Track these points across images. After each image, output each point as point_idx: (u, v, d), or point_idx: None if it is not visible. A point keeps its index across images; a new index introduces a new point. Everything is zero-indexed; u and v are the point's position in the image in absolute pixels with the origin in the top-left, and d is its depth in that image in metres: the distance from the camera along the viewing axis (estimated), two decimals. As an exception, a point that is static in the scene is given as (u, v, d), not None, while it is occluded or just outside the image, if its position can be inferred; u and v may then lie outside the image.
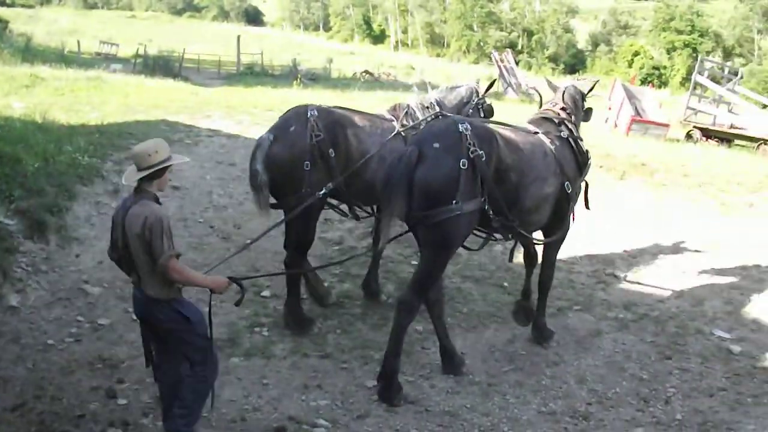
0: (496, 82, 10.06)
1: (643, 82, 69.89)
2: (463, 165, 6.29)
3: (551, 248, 8.01)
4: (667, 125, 27.42)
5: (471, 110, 8.94)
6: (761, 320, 8.95)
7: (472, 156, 6.32)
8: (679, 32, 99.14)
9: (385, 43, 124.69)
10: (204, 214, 10.88)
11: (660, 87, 77.94)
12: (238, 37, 50.70)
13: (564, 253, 8.71)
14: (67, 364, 6.84)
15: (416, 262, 9.89)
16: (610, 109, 26.67)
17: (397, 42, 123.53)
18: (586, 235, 9.52)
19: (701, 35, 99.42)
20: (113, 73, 28.04)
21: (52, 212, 9.57)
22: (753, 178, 14.72)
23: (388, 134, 8.10)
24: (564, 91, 8.29)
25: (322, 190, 7.50)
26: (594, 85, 9.02)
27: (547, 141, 7.39)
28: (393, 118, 8.43)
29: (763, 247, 11.30)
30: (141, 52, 43.36)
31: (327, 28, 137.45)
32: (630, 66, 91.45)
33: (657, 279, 10.26)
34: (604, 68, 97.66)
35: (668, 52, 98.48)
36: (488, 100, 9.30)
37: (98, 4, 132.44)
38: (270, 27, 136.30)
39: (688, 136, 28.75)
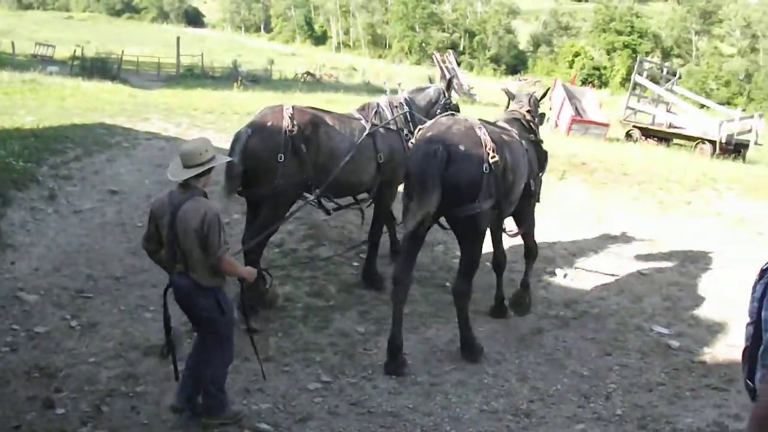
0: (453, 81, 10.41)
1: (584, 82, 70.97)
2: (485, 170, 7.04)
3: (531, 231, 9.00)
4: (607, 125, 27.90)
5: (439, 109, 9.41)
6: (699, 316, 9.14)
7: (491, 162, 7.06)
8: (619, 33, 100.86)
9: (326, 44, 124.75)
10: (143, 219, 10.63)
11: (600, 87, 79.33)
12: (178, 39, 50.34)
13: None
14: (2, 374, 6.70)
15: (357, 264, 9.96)
16: (550, 109, 26.97)
17: (338, 43, 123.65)
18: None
19: (640, 36, 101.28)
20: (49, 76, 27.66)
21: (-15, 218, 9.38)
22: (691, 176, 14.99)
23: (357, 132, 8.70)
24: (531, 96, 9.09)
25: (293, 181, 8.04)
26: (547, 91, 9.91)
27: (523, 142, 8.13)
28: (362, 117, 8.97)
29: (700, 245, 11.53)
30: (78, 53, 42.78)
31: (268, 30, 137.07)
32: (571, 66, 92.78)
33: (597, 277, 10.40)
34: (545, 69, 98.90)
35: (608, 52, 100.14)
36: (454, 100, 9.89)
37: (33, 5, 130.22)
38: (211, 28, 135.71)
39: (628, 135, 29.27)
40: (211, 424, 5.99)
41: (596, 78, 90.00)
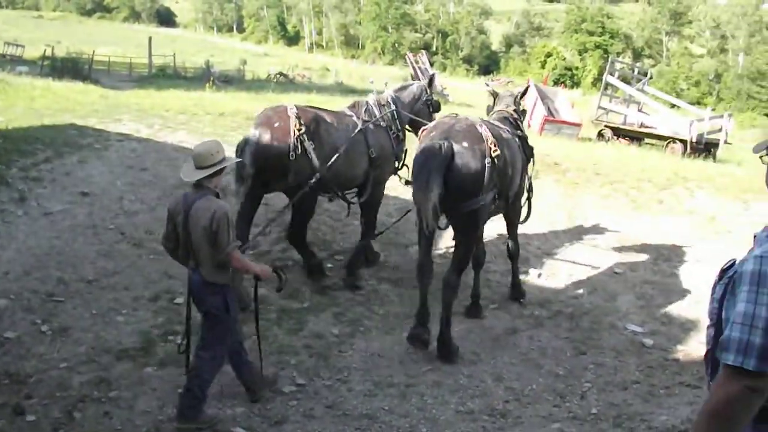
0: (435, 77, 11.18)
1: (556, 82, 71.36)
2: (487, 163, 7.39)
3: (516, 227, 9.52)
4: (579, 125, 28.03)
5: (422, 105, 10.19)
6: (672, 313, 9.20)
7: (493, 156, 7.44)
8: (591, 34, 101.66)
9: (299, 44, 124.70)
10: (114, 221, 10.58)
11: (572, 87, 79.85)
12: (150, 39, 50.00)
13: (479, 252, 8.93)
14: (-29, 380, 6.60)
15: (331, 265, 9.92)
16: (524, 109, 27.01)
17: (311, 43, 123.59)
18: (500, 235, 9.68)
19: (612, 37, 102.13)
20: (19, 76, 27.24)
21: (-47, 221, 9.24)
22: (662, 175, 15.08)
23: (351, 128, 9.24)
24: (516, 96, 9.62)
25: (307, 177, 8.56)
26: (527, 89, 10.43)
27: (516, 139, 8.67)
28: (353, 114, 9.53)
29: (672, 243, 11.60)
30: (48, 53, 42.25)
31: (241, 30, 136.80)
32: (543, 67, 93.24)
33: (571, 276, 10.45)
34: (517, 69, 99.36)
35: (580, 53, 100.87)
36: (435, 96, 10.47)
37: (2, 3, 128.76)
38: (183, 28, 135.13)
39: (600, 135, 29.42)
40: (187, 428, 5.96)
41: (568, 78, 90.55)
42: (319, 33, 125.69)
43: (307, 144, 8.47)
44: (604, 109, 31.53)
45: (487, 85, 10.70)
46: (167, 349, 7.36)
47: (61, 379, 6.67)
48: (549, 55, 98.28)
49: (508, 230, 9.53)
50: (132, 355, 7.19)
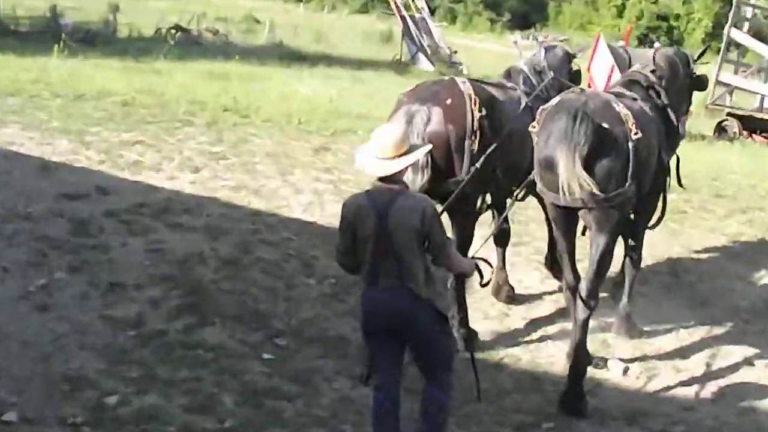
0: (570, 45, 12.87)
1: (642, 41, 71.64)
2: (631, 148, 9.12)
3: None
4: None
5: (566, 72, 11.97)
6: None
7: (634, 139, 9.15)
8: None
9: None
10: None
11: (670, 45, 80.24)
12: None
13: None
14: None
15: (270, 356, 9.75)
16: (589, 86, 26.95)
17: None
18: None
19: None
20: None
21: None
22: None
23: (516, 106, 10.84)
24: (656, 51, 11.55)
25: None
26: (705, 50, 12.36)
27: (648, 110, 10.20)
28: (516, 87, 11.24)
29: None
30: None
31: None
32: (620, 15, 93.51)
33: (682, 371, 10.38)
34: (576, 19, 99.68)
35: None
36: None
37: None
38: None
39: (721, 128, 29.40)
40: None
41: (663, 33, 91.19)
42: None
43: (487, 131, 9.83)
44: (727, 85, 31.63)
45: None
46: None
47: None
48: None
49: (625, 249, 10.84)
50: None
